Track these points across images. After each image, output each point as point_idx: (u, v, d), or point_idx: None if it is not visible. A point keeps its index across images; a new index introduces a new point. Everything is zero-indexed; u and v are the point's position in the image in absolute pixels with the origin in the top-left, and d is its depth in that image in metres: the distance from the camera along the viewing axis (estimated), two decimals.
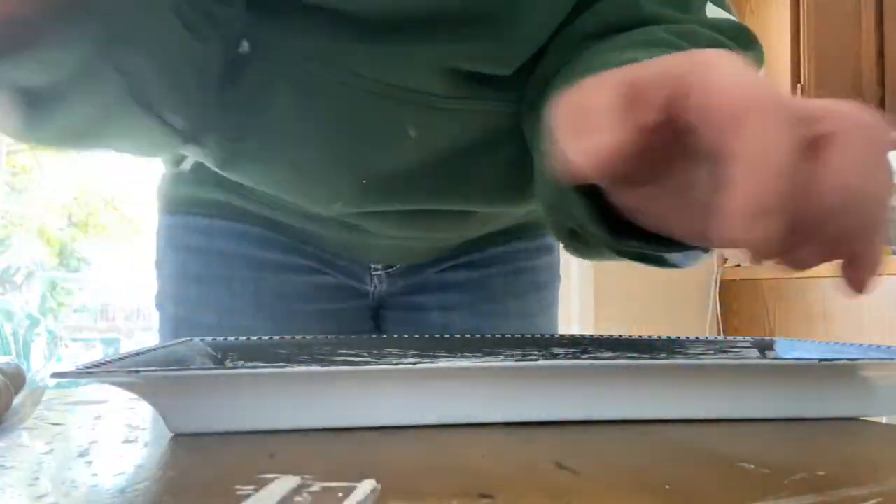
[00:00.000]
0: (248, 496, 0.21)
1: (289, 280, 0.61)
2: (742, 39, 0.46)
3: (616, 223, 0.34)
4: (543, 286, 0.71)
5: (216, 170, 0.54)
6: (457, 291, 0.66)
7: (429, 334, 0.47)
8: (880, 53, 2.58)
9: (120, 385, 0.30)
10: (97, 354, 4.55)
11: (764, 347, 0.47)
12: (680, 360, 0.33)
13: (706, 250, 0.35)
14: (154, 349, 0.37)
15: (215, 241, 0.61)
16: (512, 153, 0.55)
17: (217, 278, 0.62)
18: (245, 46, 0.48)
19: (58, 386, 0.44)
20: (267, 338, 0.44)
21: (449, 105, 0.52)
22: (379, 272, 0.65)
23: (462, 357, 0.45)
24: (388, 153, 0.51)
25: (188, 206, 0.62)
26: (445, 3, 0.47)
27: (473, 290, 0.67)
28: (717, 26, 0.46)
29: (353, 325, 0.65)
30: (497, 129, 0.54)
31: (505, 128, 0.54)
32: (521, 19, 0.49)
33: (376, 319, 0.68)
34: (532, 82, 0.52)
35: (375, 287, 0.65)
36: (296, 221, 0.60)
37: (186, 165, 0.61)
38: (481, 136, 0.54)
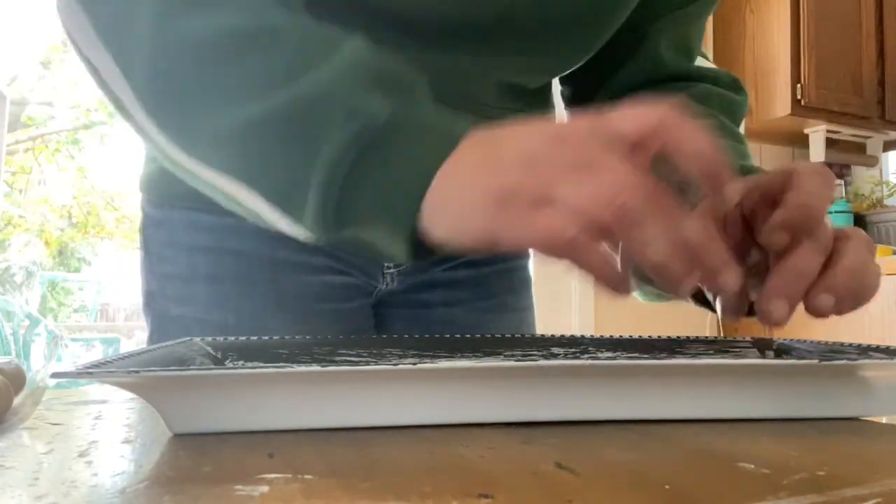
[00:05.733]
0: (247, 496, 0.21)
1: (305, 280, 0.61)
2: (736, 88, 0.63)
3: None
4: (530, 282, 0.76)
5: None
6: (459, 288, 0.68)
7: (429, 334, 0.47)
8: (880, 53, 2.58)
9: (120, 385, 0.30)
10: (97, 354, 4.55)
11: (764, 347, 0.47)
12: (680, 360, 0.33)
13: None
14: (154, 349, 0.37)
15: (227, 239, 0.59)
16: None
17: (231, 278, 0.60)
18: None
19: (58, 386, 0.44)
20: (267, 338, 0.44)
21: (494, 113, 0.59)
22: (391, 270, 0.65)
23: (462, 357, 0.45)
24: None
25: (190, 202, 0.59)
26: (506, 13, 0.54)
27: (474, 287, 0.69)
28: (717, 78, 0.63)
29: (362, 323, 0.65)
30: None
31: None
32: (567, 41, 0.58)
33: (377, 317, 0.68)
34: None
35: (387, 285, 0.66)
36: None
37: None
38: None
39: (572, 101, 0.71)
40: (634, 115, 0.34)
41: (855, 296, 0.38)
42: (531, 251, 0.34)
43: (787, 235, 0.37)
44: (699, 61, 0.65)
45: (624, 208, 0.31)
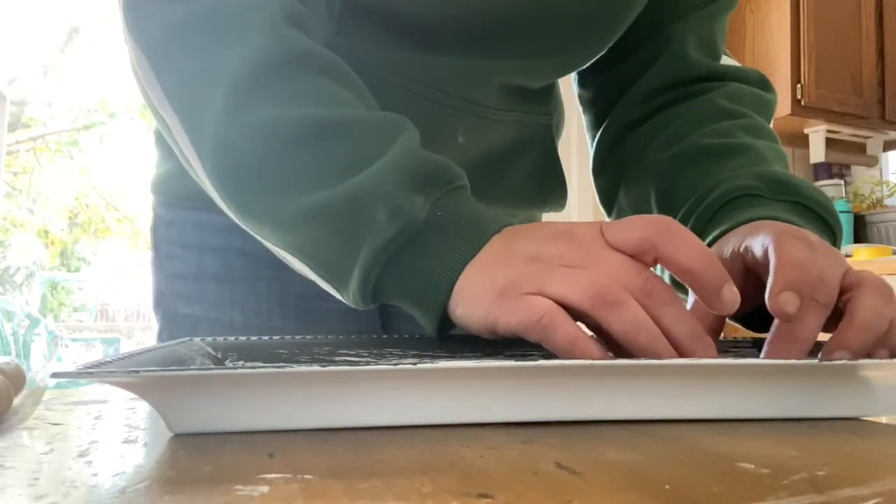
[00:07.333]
0: (247, 496, 0.21)
1: (310, 280, 0.62)
2: (764, 85, 0.63)
3: None
4: None
5: None
6: None
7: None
8: (880, 53, 2.58)
9: (120, 385, 0.30)
10: (97, 354, 4.56)
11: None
12: (680, 361, 0.33)
13: None
14: (154, 349, 0.37)
15: (235, 239, 0.60)
16: (531, 160, 0.65)
17: (238, 277, 0.61)
18: None
19: (58, 386, 0.44)
20: (267, 338, 0.44)
21: (494, 115, 0.60)
22: None
23: (462, 357, 0.45)
24: None
25: (199, 202, 0.59)
26: (512, 14, 0.55)
27: None
28: (746, 76, 0.62)
29: (369, 322, 0.66)
30: (521, 138, 0.63)
31: (527, 136, 0.63)
32: (574, 43, 0.59)
33: (383, 317, 0.69)
34: (608, 132, 0.66)
35: None
36: None
37: None
38: (510, 145, 0.63)
39: (594, 104, 0.69)
40: (630, 229, 0.37)
41: (874, 346, 0.38)
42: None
43: (796, 298, 0.36)
44: (723, 59, 0.65)
45: (599, 293, 0.34)
